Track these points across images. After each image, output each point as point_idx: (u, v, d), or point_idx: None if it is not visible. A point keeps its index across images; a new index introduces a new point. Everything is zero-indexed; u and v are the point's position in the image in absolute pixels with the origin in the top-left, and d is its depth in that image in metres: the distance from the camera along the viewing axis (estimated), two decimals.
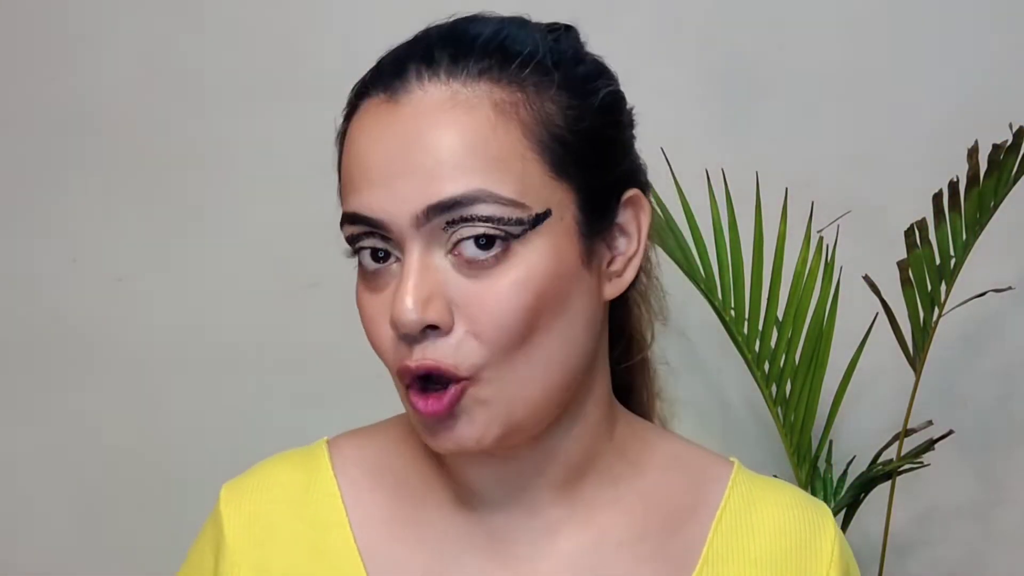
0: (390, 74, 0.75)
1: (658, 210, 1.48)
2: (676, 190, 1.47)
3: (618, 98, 0.81)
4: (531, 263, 0.73)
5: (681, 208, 1.49)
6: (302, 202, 1.53)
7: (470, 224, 0.71)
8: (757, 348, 1.48)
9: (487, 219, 0.71)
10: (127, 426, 1.66)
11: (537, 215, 0.73)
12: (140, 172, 1.65)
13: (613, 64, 0.85)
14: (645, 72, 1.66)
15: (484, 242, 0.72)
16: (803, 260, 1.47)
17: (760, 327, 1.48)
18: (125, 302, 1.65)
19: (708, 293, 1.47)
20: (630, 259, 0.80)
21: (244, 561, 0.83)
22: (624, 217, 0.79)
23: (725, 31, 1.63)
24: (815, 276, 1.46)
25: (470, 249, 0.72)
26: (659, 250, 1.47)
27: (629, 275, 0.80)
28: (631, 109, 0.82)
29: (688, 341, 1.65)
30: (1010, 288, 1.52)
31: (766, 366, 1.48)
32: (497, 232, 0.71)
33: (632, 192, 0.79)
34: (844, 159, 1.63)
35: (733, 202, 1.48)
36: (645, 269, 0.86)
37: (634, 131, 0.83)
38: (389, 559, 0.81)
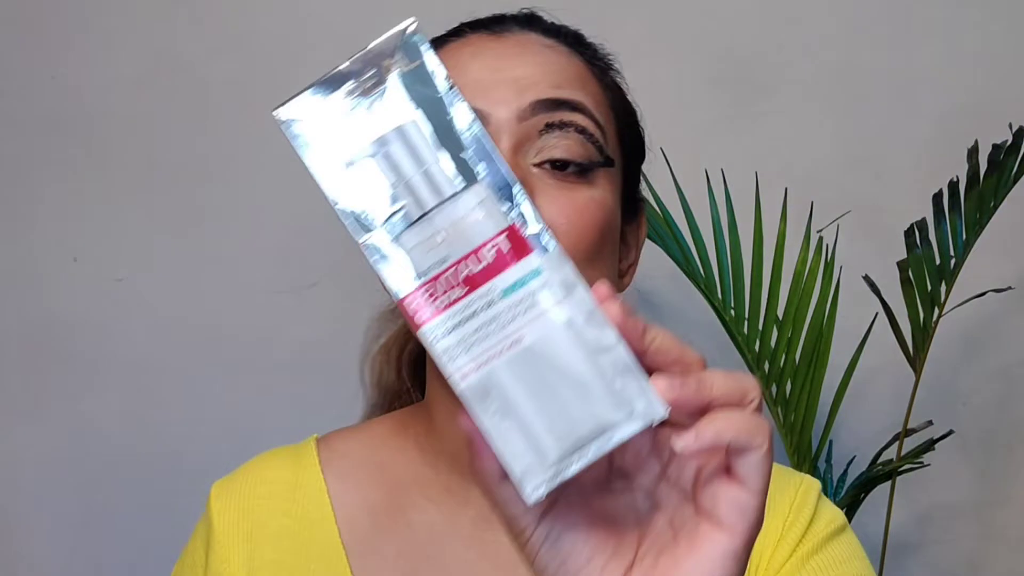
0: (488, 22, 0.83)
1: (658, 210, 1.48)
2: (676, 190, 1.47)
3: None
4: (602, 192, 0.78)
5: (681, 208, 1.49)
6: (301, 202, 1.53)
7: (564, 132, 0.76)
8: (757, 348, 1.48)
9: (581, 130, 0.76)
10: (127, 426, 1.65)
11: (610, 157, 0.79)
12: (140, 172, 1.65)
13: (613, 63, 0.87)
14: (645, 72, 1.67)
15: (562, 165, 0.76)
16: (803, 260, 1.47)
17: (760, 327, 1.48)
18: (125, 302, 1.65)
19: (708, 293, 1.47)
20: (630, 265, 0.85)
21: (234, 556, 0.84)
22: (631, 226, 0.85)
23: (725, 31, 1.63)
24: (815, 276, 1.46)
25: (555, 163, 0.76)
26: (659, 250, 1.48)
27: (627, 280, 0.85)
28: None
29: (688, 341, 1.65)
30: (1010, 288, 1.52)
31: (766, 366, 1.48)
32: (582, 150, 0.76)
33: (640, 203, 0.86)
34: (844, 159, 1.63)
35: (733, 202, 1.48)
36: None
37: None
38: (372, 551, 0.83)
